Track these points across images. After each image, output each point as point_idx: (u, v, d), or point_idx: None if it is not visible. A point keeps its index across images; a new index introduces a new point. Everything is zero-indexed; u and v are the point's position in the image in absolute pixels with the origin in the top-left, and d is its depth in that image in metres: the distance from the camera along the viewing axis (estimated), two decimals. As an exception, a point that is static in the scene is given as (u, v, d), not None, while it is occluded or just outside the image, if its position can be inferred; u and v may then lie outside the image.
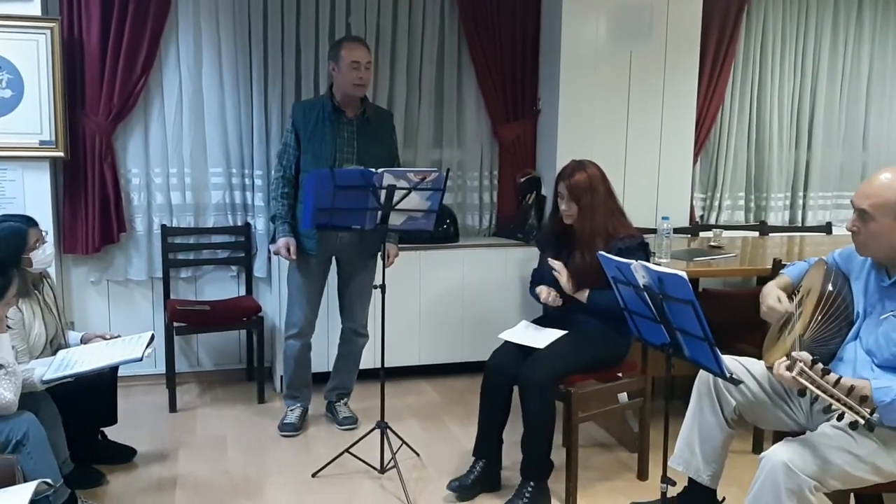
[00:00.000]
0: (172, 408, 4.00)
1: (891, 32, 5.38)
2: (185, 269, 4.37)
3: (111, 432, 3.42)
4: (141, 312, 4.33)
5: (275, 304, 4.25)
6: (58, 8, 3.95)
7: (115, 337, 3.12)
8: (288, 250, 3.52)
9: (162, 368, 4.14)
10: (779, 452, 2.18)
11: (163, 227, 4.26)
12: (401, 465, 3.21)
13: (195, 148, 4.30)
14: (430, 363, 4.51)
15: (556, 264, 3.12)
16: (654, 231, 3.83)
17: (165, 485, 3.22)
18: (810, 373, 2.04)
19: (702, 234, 4.66)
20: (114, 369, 3.16)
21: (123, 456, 3.40)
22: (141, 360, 2.82)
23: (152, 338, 2.93)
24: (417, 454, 3.49)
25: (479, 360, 3.40)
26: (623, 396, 3.44)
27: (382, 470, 3.28)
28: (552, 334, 3.10)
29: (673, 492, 2.55)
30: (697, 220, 5.01)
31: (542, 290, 3.16)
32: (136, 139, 4.23)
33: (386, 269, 3.30)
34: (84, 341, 3.12)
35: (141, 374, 4.24)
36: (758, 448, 3.42)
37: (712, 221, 5.10)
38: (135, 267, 4.29)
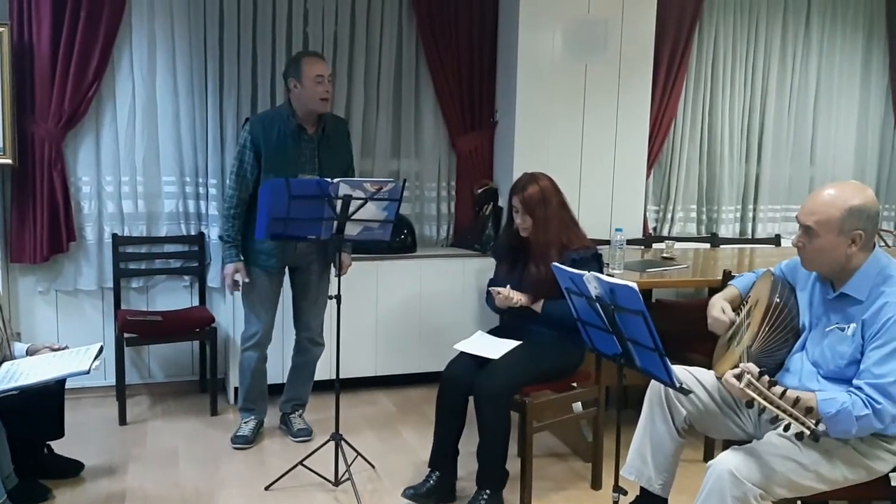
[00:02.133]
0: (122, 420, 3.91)
1: (837, 50, 5.55)
2: (136, 279, 4.29)
3: (58, 446, 3.33)
4: (90, 323, 4.24)
5: (228, 314, 4.20)
6: (7, 12, 3.87)
7: (63, 348, 3.06)
8: (234, 278, 3.49)
9: (112, 380, 4.05)
10: (725, 461, 2.22)
11: (114, 235, 4.18)
12: (356, 477, 3.19)
13: (148, 155, 4.23)
14: (387, 374, 4.49)
15: (502, 291, 3.13)
16: (608, 242, 3.87)
17: (114, 499, 3.15)
18: (758, 385, 2.08)
19: (655, 245, 4.73)
20: (61, 382, 3.08)
21: (70, 470, 3.32)
22: (88, 372, 2.76)
23: (101, 350, 2.87)
24: (373, 466, 3.47)
25: (436, 370, 3.40)
26: (577, 406, 3.47)
27: (337, 482, 3.25)
28: (507, 345, 3.12)
29: (625, 501, 2.57)
30: (651, 231, 5.09)
31: (501, 290, 3.16)
32: (88, 146, 4.15)
33: (341, 279, 3.28)
34: (30, 353, 3.05)
35: (90, 387, 4.15)
36: (709, 457, 3.48)
37: (665, 233, 5.18)
38: (84, 277, 4.20)
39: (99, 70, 4.03)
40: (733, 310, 2.62)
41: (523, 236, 3.16)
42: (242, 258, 3.52)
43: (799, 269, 2.51)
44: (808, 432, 2.00)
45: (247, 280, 3.52)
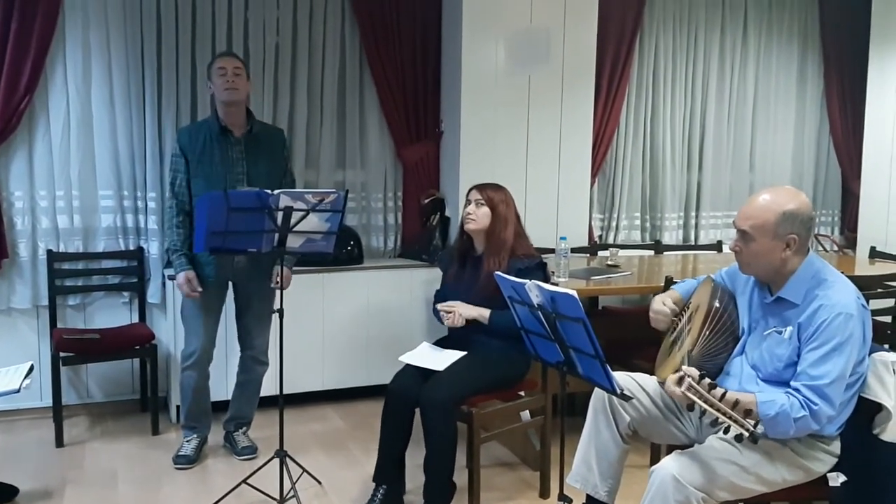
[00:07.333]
0: (59, 442, 3.78)
1: (773, 59, 5.69)
2: (73, 296, 4.16)
3: (-11, 471, 3.21)
4: (25, 342, 4.09)
5: (169, 331, 4.10)
6: (-68, 22, 3.74)
7: (-7, 369, 2.96)
8: (190, 285, 3.39)
9: (48, 401, 3.92)
10: (667, 465, 2.23)
11: (49, 252, 4.05)
12: (301, 494, 3.13)
13: (84, 169, 4.12)
14: (335, 388, 4.43)
15: (446, 306, 3.17)
16: (553, 251, 3.89)
17: (49, 525, 3.04)
18: (698, 387, 2.10)
19: (600, 253, 4.77)
20: (-9, 404, 2.98)
21: (4, 495, 3.19)
22: (18, 391, 2.67)
23: (31, 368, 2.78)
24: (319, 482, 3.41)
25: (386, 383, 3.36)
26: (525, 414, 3.46)
27: (282, 500, 3.18)
28: (452, 355, 3.11)
29: (571, 509, 2.57)
30: (596, 239, 5.14)
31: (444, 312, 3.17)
32: (20, 160, 4.02)
33: (284, 292, 3.23)
34: (-42, 375, 2.93)
35: (25, 408, 4.02)
36: (654, 462, 3.48)
37: (610, 241, 5.24)
38: (18, 295, 4.06)
39: (31, 82, 3.91)
40: (675, 315, 2.64)
41: (470, 240, 3.16)
42: (191, 267, 3.42)
43: (738, 274, 2.54)
44: (746, 434, 2.02)
45: (200, 290, 3.42)
